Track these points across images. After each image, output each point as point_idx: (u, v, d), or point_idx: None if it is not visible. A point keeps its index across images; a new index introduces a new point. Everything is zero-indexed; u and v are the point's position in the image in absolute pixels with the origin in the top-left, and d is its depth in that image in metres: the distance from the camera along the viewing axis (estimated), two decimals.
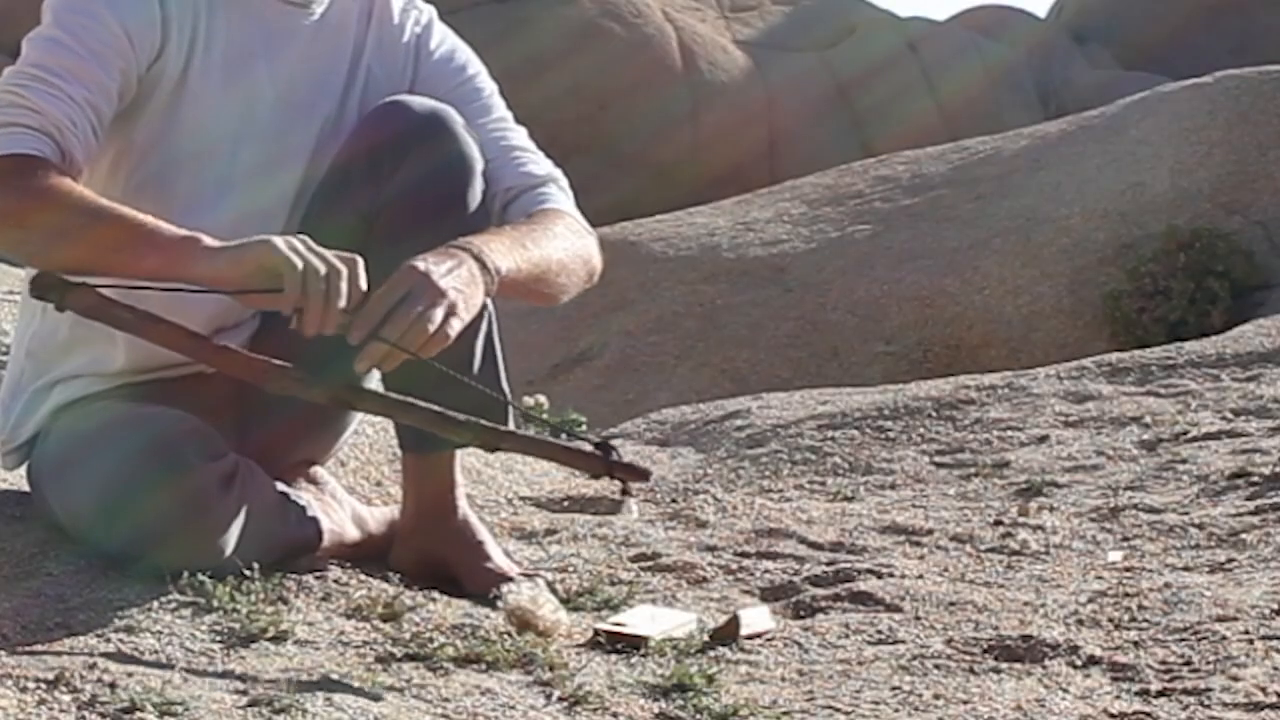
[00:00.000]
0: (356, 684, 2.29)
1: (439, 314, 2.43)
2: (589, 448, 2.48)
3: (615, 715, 2.31)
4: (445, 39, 2.92)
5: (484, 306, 2.70)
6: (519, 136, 2.90)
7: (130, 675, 2.18)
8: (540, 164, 2.87)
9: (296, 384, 2.49)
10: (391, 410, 2.55)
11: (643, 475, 2.47)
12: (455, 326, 2.45)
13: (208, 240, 2.49)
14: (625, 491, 2.50)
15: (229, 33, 2.74)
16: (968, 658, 2.63)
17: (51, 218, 2.52)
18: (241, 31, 2.75)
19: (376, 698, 2.25)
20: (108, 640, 2.34)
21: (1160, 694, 2.46)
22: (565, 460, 2.53)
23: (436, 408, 2.47)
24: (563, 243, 2.73)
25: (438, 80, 2.86)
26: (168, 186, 2.71)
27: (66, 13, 2.66)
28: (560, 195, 2.85)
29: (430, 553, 2.85)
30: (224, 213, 2.71)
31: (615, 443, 2.47)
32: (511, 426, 2.84)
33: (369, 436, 3.68)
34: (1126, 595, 2.97)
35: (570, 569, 3.07)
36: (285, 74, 2.77)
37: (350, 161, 2.76)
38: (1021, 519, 3.65)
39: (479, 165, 2.77)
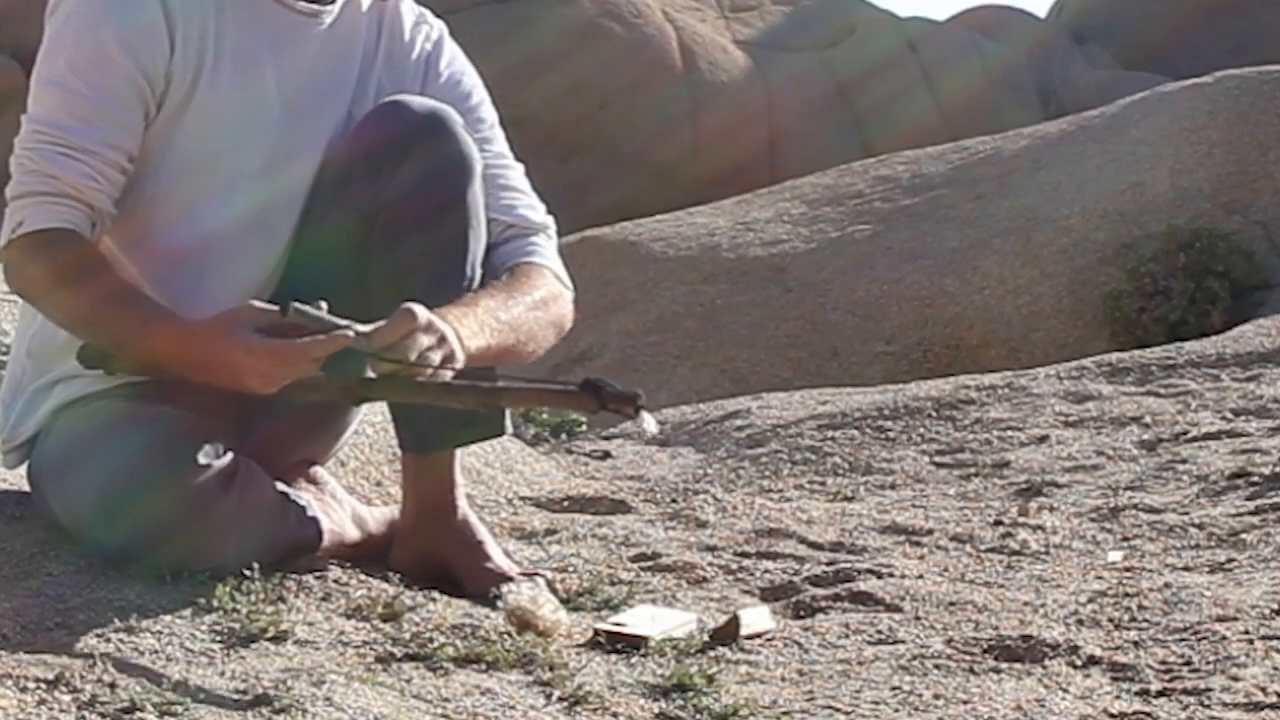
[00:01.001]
0: (356, 684, 2.29)
1: (439, 356, 2.51)
2: (576, 389, 2.50)
3: (615, 715, 2.31)
4: (454, 60, 2.92)
5: None
6: (516, 175, 2.91)
7: (130, 675, 2.18)
8: (535, 208, 2.90)
9: (308, 388, 2.53)
10: (397, 392, 2.57)
11: (633, 399, 2.46)
12: (447, 374, 2.52)
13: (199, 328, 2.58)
14: (633, 411, 2.50)
15: (238, 39, 2.73)
16: (968, 658, 2.63)
17: (73, 299, 2.63)
18: (250, 38, 2.74)
19: (376, 698, 2.25)
20: (108, 640, 2.34)
21: (1160, 694, 2.46)
22: (560, 403, 2.60)
23: (439, 381, 2.51)
24: (538, 312, 2.77)
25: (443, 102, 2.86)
26: (174, 194, 2.71)
27: (77, 54, 2.65)
28: (548, 247, 2.88)
29: (430, 553, 2.85)
30: (227, 219, 2.72)
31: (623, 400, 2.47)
32: (509, 423, 2.87)
33: (369, 436, 3.67)
34: (1126, 595, 2.97)
35: (570, 569, 3.06)
36: (292, 83, 2.77)
37: (350, 161, 2.76)
38: (1021, 519, 3.65)
39: (479, 165, 2.77)
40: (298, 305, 2.49)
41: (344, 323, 2.50)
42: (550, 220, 2.91)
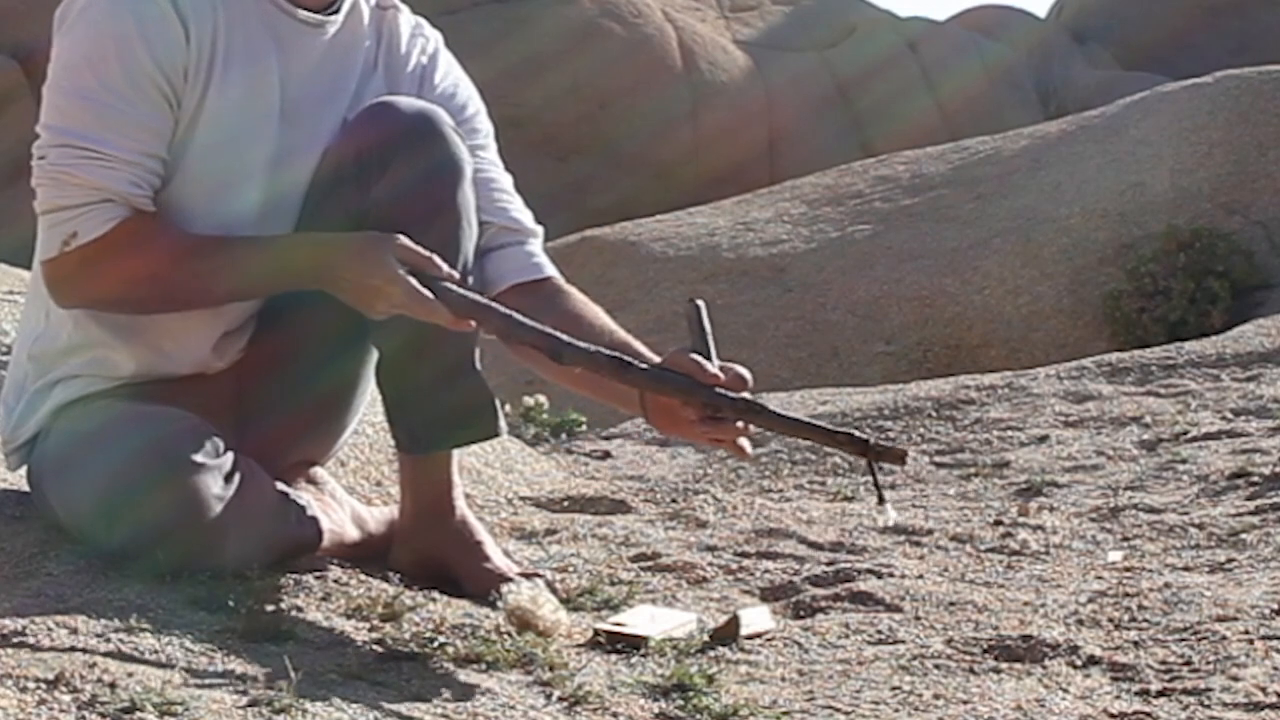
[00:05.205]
0: (356, 684, 2.29)
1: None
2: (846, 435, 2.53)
3: (615, 715, 2.31)
4: (450, 72, 2.92)
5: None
6: (507, 181, 2.93)
7: (130, 675, 2.18)
8: (525, 213, 2.92)
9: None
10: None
11: (900, 454, 2.49)
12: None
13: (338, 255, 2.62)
14: (880, 498, 2.55)
15: (246, 46, 2.73)
16: (968, 658, 2.63)
17: (185, 268, 2.66)
18: (257, 44, 2.74)
19: (376, 698, 2.25)
20: (108, 640, 2.34)
21: (1160, 694, 2.46)
22: (828, 442, 2.56)
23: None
24: None
25: None
26: (184, 197, 2.71)
27: (106, 69, 2.64)
28: (547, 258, 2.91)
29: (429, 553, 2.85)
30: (230, 223, 2.72)
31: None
32: (504, 425, 2.86)
33: (369, 436, 3.68)
34: (1126, 595, 2.97)
35: (570, 569, 3.07)
36: (293, 91, 2.76)
37: (340, 163, 2.75)
38: (1021, 519, 3.65)
39: (469, 168, 2.77)
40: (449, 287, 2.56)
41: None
42: (539, 228, 2.93)
